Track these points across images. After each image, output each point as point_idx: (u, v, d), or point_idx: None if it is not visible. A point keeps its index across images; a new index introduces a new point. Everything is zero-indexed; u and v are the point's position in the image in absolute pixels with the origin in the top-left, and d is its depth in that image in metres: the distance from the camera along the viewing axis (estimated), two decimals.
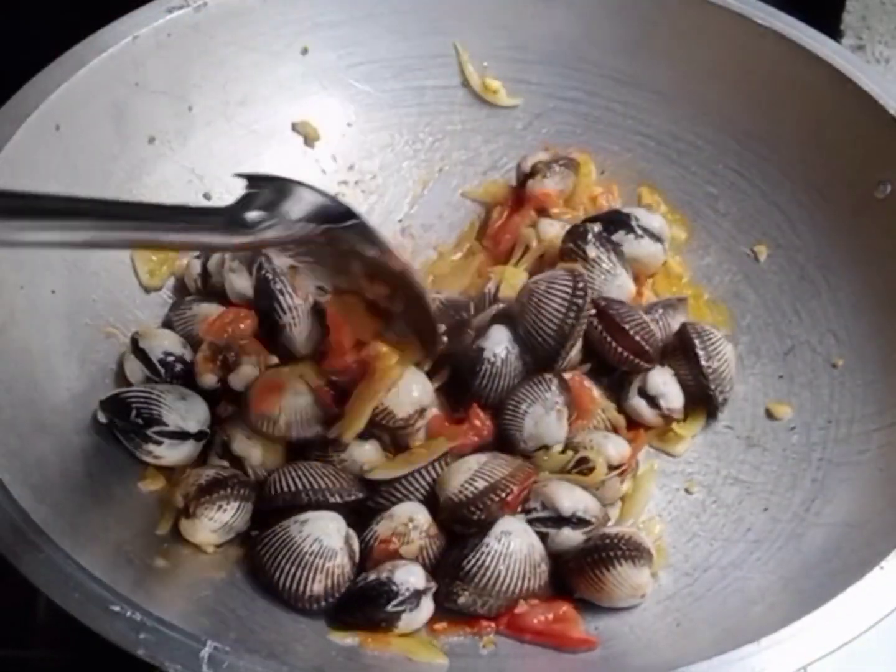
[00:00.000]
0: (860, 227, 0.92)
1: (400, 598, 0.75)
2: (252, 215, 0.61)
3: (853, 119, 0.92)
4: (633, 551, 0.77)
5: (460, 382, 0.85)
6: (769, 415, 0.90)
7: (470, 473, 0.79)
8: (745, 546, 0.82)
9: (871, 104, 0.91)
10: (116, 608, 0.65)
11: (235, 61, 1.00)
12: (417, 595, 0.75)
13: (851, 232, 0.93)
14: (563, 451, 0.84)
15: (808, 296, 0.94)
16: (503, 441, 0.85)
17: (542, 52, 1.04)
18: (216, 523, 0.78)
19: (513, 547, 0.77)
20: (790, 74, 0.96)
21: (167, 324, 0.92)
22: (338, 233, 0.68)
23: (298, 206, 0.65)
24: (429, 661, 0.74)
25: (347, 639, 0.74)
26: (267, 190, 0.65)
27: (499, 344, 0.85)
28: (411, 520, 0.79)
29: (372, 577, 0.76)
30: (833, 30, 1.17)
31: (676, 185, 1.02)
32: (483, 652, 0.76)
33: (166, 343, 0.87)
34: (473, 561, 0.76)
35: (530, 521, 0.80)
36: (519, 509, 0.80)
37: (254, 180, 0.66)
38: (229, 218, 0.62)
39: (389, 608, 0.74)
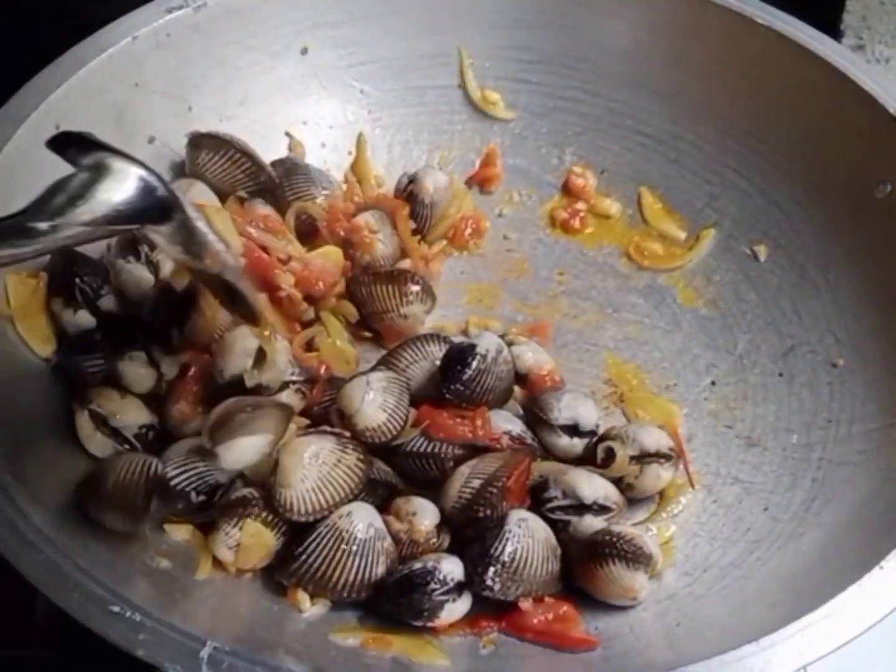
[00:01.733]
0: (860, 226, 0.92)
1: (445, 588, 0.75)
2: (41, 226, 0.59)
3: (853, 119, 0.92)
4: (631, 553, 0.77)
5: (450, 375, 0.85)
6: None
7: (464, 478, 0.80)
8: (745, 546, 0.82)
9: (871, 104, 0.91)
10: (116, 609, 0.65)
11: (235, 61, 1.00)
12: (460, 587, 0.76)
13: (851, 232, 0.93)
14: (595, 442, 0.85)
15: (808, 296, 0.94)
16: (533, 414, 0.86)
17: (542, 52, 1.04)
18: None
19: (533, 531, 0.78)
20: (790, 74, 0.96)
21: None
22: (151, 231, 0.66)
23: (112, 193, 0.63)
24: (429, 662, 0.74)
25: (348, 639, 0.74)
26: (82, 173, 0.63)
27: (491, 343, 0.86)
28: (414, 514, 0.80)
29: (417, 565, 0.76)
30: (833, 30, 1.17)
31: (676, 185, 1.02)
32: (483, 652, 0.76)
33: (138, 417, 0.83)
34: (501, 547, 0.77)
35: (551, 510, 0.81)
36: (527, 501, 0.81)
37: (70, 148, 0.64)
38: (12, 229, 0.59)
39: (435, 597, 0.74)
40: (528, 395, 0.90)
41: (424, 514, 0.80)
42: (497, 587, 0.76)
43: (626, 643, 0.77)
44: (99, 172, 0.63)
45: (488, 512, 0.78)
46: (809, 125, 0.95)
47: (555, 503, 0.81)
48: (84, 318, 0.85)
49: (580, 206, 1.04)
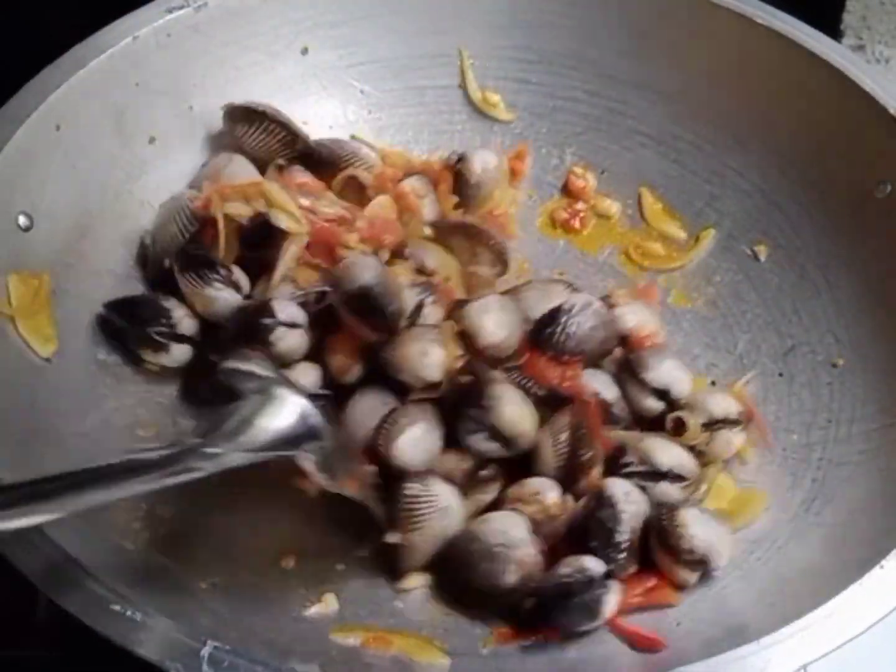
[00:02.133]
0: (860, 227, 0.92)
1: (599, 583, 0.75)
2: (213, 451, 0.67)
3: (853, 119, 0.92)
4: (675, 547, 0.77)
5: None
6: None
7: (549, 441, 0.81)
8: (745, 546, 0.82)
9: (871, 104, 0.91)
10: (117, 607, 0.65)
11: (235, 61, 1.00)
12: (606, 577, 0.76)
13: (851, 232, 0.93)
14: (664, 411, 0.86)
15: (808, 296, 0.94)
16: (629, 369, 0.87)
17: (542, 52, 1.05)
18: None
19: (636, 500, 0.79)
20: (790, 74, 0.96)
21: None
22: (300, 458, 0.74)
23: (276, 420, 0.71)
24: (429, 662, 0.74)
25: (349, 639, 0.75)
26: (247, 402, 0.71)
27: (579, 300, 0.87)
28: (538, 493, 0.81)
29: (565, 570, 0.76)
30: (833, 30, 1.17)
31: (676, 185, 1.02)
32: (483, 652, 0.76)
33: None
34: (622, 530, 0.78)
35: (628, 475, 0.81)
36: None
37: (235, 377, 0.74)
38: (193, 458, 0.67)
39: (595, 594, 0.75)
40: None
41: (545, 488, 0.81)
42: (631, 569, 0.78)
43: (627, 644, 0.76)
44: (262, 401, 0.72)
45: (590, 454, 0.80)
46: (809, 125, 0.96)
47: (631, 469, 0.82)
48: (180, 352, 0.87)
49: (580, 206, 1.04)
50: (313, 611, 0.77)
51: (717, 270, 0.99)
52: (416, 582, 0.80)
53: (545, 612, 0.75)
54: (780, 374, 0.92)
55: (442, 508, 0.79)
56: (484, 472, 0.82)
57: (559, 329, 0.85)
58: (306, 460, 0.74)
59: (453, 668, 0.74)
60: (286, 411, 0.72)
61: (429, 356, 0.82)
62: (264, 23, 1.00)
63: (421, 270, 0.90)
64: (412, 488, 0.79)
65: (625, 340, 0.90)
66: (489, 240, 0.94)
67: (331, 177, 0.97)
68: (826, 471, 0.85)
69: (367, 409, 0.84)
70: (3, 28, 1.09)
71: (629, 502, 0.79)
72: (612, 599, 0.75)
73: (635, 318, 0.90)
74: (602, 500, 0.79)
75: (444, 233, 0.94)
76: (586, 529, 0.78)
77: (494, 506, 0.82)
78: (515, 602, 0.77)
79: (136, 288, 0.92)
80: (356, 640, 0.74)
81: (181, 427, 0.87)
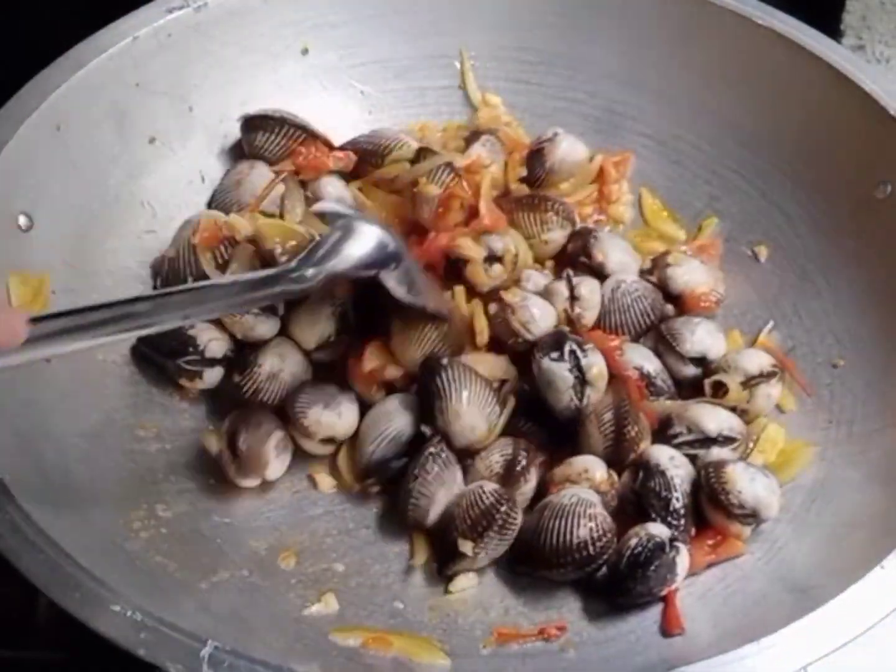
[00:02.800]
0: (860, 227, 0.92)
1: (667, 549, 0.77)
2: (310, 272, 0.80)
3: (853, 119, 0.92)
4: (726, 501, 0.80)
5: None
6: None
7: (596, 420, 0.84)
8: (746, 546, 0.82)
9: (871, 104, 0.91)
10: (117, 608, 0.65)
11: (235, 62, 1.00)
12: (671, 541, 0.78)
13: (851, 232, 0.93)
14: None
15: (808, 296, 0.94)
16: (666, 342, 0.89)
17: (542, 52, 1.05)
18: None
19: (682, 463, 0.82)
20: (790, 74, 0.96)
21: None
22: (384, 276, 0.85)
23: (357, 248, 0.83)
24: (429, 662, 0.74)
25: (349, 639, 0.74)
26: (336, 232, 0.83)
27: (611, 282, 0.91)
28: (586, 471, 0.82)
29: (633, 541, 0.77)
30: (833, 30, 1.17)
31: (676, 185, 1.02)
32: (483, 652, 0.76)
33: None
34: (677, 496, 0.80)
35: (678, 445, 0.83)
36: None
37: (327, 214, 0.89)
38: (288, 273, 0.80)
39: (667, 560, 0.77)
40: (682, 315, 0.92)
41: (592, 466, 0.82)
42: (692, 530, 0.80)
43: (626, 643, 0.77)
44: (347, 232, 0.83)
45: (636, 429, 0.82)
46: (809, 125, 0.95)
47: (681, 439, 0.83)
48: (212, 375, 0.88)
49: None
50: (313, 611, 0.77)
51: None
52: (468, 583, 0.80)
53: (621, 582, 0.77)
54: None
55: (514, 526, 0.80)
56: (517, 468, 0.82)
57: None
58: (389, 278, 0.84)
59: (453, 668, 0.74)
60: (366, 239, 0.83)
61: None
62: (265, 23, 1.00)
63: (491, 256, 0.92)
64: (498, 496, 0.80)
65: (678, 301, 0.93)
66: (554, 204, 0.95)
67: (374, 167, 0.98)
68: (827, 471, 0.84)
69: None
70: (3, 28, 1.09)
71: (676, 467, 0.81)
72: (684, 561, 0.77)
73: (686, 278, 0.93)
74: (650, 470, 0.81)
75: (513, 209, 0.95)
76: (641, 501, 0.81)
77: (541, 492, 0.83)
78: (587, 575, 0.78)
79: (136, 288, 0.92)
80: (356, 641, 0.74)
81: (181, 426, 0.87)
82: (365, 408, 0.87)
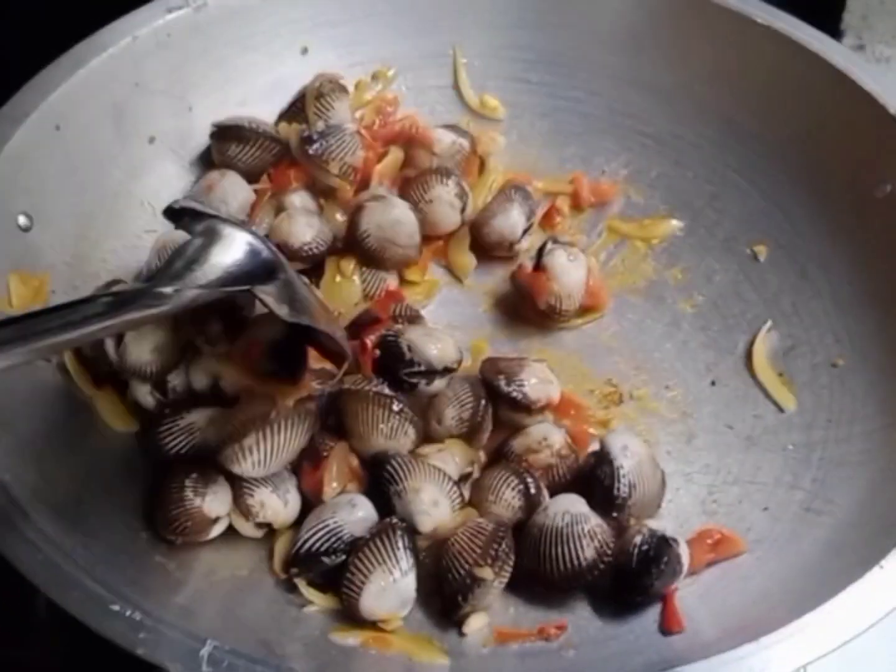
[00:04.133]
0: (860, 226, 0.92)
1: (672, 544, 0.77)
2: (168, 290, 0.66)
3: (853, 119, 0.93)
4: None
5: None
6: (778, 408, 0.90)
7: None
8: (746, 546, 0.82)
9: (871, 104, 0.91)
10: (116, 607, 0.65)
11: (235, 61, 1.00)
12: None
13: (851, 232, 0.93)
14: None
15: (807, 295, 0.94)
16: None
17: (542, 52, 1.05)
18: None
19: (637, 453, 0.81)
20: (790, 74, 0.96)
21: None
22: (259, 292, 0.72)
23: (223, 256, 0.70)
24: (429, 661, 0.74)
25: (349, 639, 0.74)
26: (196, 240, 0.71)
27: None
28: (545, 439, 0.83)
29: (637, 539, 0.77)
30: (833, 30, 1.18)
31: (676, 185, 1.02)
32: (483, 651, 0.76)
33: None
34: (621, 486, 0.79)
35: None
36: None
37: (183, 218, 0.74)
38: (145, 298, 0.66)
39: (675, 553, 0.76)
40: None
41: (550, 433, 0.83)
42: (633, 524, 0.79)
43: (626, 643, 0.77)
44: (210, 238, 0.71)
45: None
46: (809, 125, 0.96)
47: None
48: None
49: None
50: (313, 611, 0.77)
51: (717, 270, 0.99)
52: (480, 623, 0.77)
53: (636, 580, 0.77)
54: (780, 374, 0.92)
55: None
56: (531, 492, 0.81)
57: None
58: (263, 294, 0.72)
59: (453, 667, 0.74)
60: (235, 247, 0.71)
61: None
62: (264, 23, 1.00)
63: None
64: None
65: None
66: (441, 171, 0.96)
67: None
68: (826, 471, 0.84)
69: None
70: (3, 28, 1.09)
71: (627, 458, 0.80)
72: (685, 550, 0.78)
73: None
74: (603, 456, 0.81)
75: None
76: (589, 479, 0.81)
77: (498, 461, 0.83)
78: (594, 580, 0.77)
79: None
80: (356, 640, 0.74)
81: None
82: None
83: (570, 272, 0.92)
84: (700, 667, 0.65)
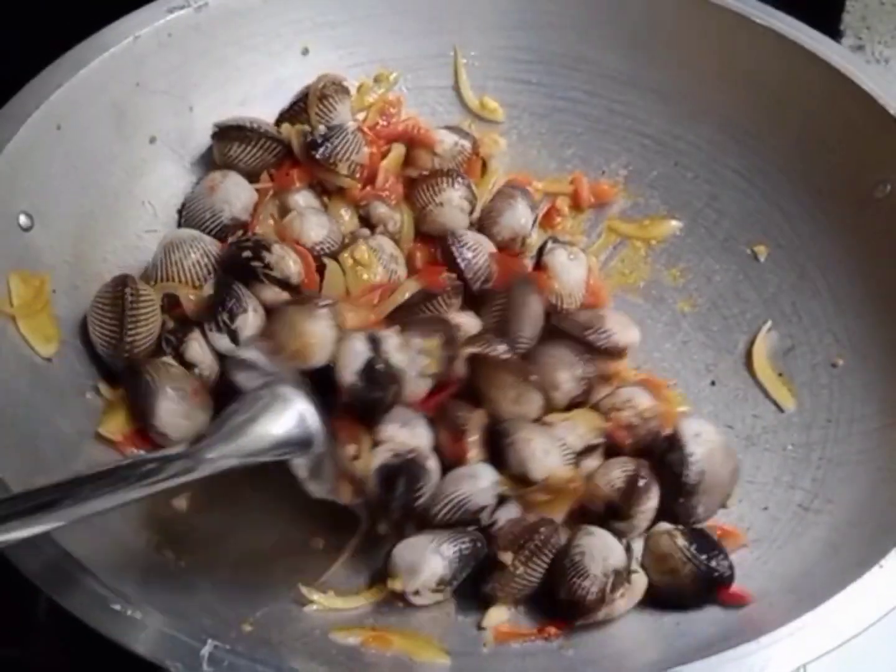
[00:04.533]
0: (860, 226, 0.92)
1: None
2: (211, 455, 0.67)
3: (853, 119, 0.93)
4: None
5: None
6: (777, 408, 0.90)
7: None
8: (746, 546, 0.82)
9: (871, 104, 0.91)
10: (117, 607, 0.65)
11: (236, 61, 1.00)
12: None
13: (851, 232, 0.93)
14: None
15: (807, 295, 0.94)
16: None
17: (542, 52, 1.05)
18: None
19: (710, 441, 0.81)
20: (790, 74, 0.96)
21: None
22: (294, 465, 0.74)
23: (275, 425, 0.70)
24: (429, 661, 0.74)
25: (349, 639, 0.74)
26: (252, 400, 0.71)
27: None
28: (630, 400, 0.84)
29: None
30: (833, 30, 1.18)
31: (676, 185, 1.02)
32: (484, 651, 0.76)
33: None
34: (690, 474, 0.80)
35: None
36: None
37: (241, 373, 0.75)
38: (189, 456, 0.67)
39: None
40: None
41: (636, 395, 0.85)
42: (700, 511, 0.80)
43: (626, 643, 0.77)
44: (264, 403, 0.71)
45: None
46: (809, 125, 0.96)
47: None
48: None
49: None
50: (313, 610, 0.77)
51: (717, 270, 0.99)
52: (501, 617, 0.78)
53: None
54: (780, 374, 0.92)
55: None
56: (639, 484, 0.81)
57: None
58: (299, 467, 0.73)
59: (453, 668, 0.74)
60: (287, 415, 0.71)
61: None
62: (265, 23, 1.00)
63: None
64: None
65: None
66: (448, 173, 0.97)
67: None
68: (826, 471, 0.85)
69: None
70: (4, 28, 1.09)
71: (699, 445, 0.81)
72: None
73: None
74: (675, 441, 0.81)
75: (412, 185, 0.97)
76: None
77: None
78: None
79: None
80: (356, 640, 0.74)
81: None
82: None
83: (570, 271, 0.93)
84: (700, 666, 0.65)
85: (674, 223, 1.02)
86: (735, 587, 0.77)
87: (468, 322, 0.89)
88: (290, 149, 0.97)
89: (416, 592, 0.77)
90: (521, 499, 0.80)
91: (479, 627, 0.78)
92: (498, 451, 0.80)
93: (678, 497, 0.80)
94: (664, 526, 0.80)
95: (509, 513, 0.80)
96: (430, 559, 0.77)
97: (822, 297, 0.93)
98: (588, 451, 0.83)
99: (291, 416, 0.71)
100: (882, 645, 0.83)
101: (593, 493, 0.80)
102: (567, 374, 0.85)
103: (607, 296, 0.97)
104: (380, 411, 0.78)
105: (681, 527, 0.80)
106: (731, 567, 0.77)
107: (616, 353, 0.87)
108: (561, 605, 0.77)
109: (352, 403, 0.77)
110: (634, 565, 0.78)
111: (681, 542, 0.78)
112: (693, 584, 0.77)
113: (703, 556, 0.77)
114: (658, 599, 0.78)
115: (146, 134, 0.96)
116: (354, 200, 0.96)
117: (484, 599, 0.79)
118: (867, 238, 0.92)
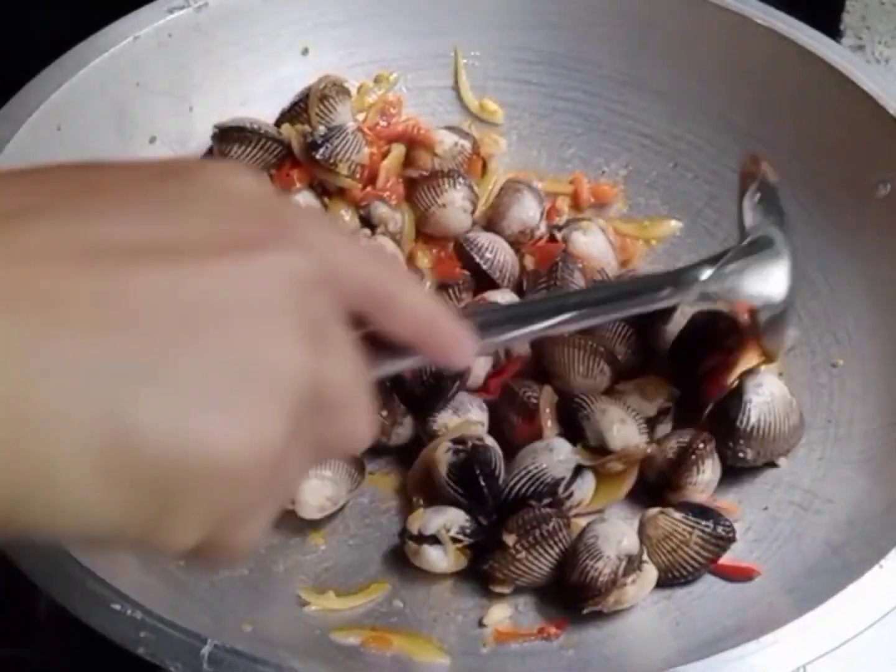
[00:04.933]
0: (860, 226, 0.92)
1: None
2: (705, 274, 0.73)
3: (853, 119, 0.92)
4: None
5: None
6: None
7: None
8: (745, 546, 0.82)
9: (871, 104, 0.91)
10: (117, 606, 0.65)
11: (236, 62, 1.00)
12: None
13: (851, 231, 0.93)
14: None
15: (806, 295, 0.93)
16: None
17: (542, 52, 1.04)
18: None
19: (771, 392, 0.82)
20: (790, 74, 0.96)
21: None
22: None
23: (758, 286, 0.76)
24: (429, 661, 0.74)
25: (349, 638, 0.74)
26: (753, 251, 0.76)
27: None
28: None
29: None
30: (833, 30, 1.17)
31: (676, 185, 1.02)
32: (483, 651, 0.76)
33: None
34: (745, 419, 0.81)
35: None
36: None
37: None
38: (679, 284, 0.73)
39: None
40: None
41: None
42: (749, 457, 0.82)
43: (626, 643, 0.77)
44: (762, 255, 0.78)
45: None
46: (809, 125, 0.95)
47: None
48: None
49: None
50: (313, 611, 0.77)
51: None
52: (503, 614, 0.78)
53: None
54: (780, 374, 0.92)
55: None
56: (691, 456, 0.81)
57: None
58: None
59: (453, 667, 0.74)
60: (777, 275, 0.77)
61: None
62: (265, 23, 1.00)
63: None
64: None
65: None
66: (448, 173, 0.96)
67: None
68: (825, 470, 0.84)
69: None
70: (4, 28, 1.09)
71: (758, 395, 0.82)
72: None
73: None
74: (735, 390, 0.83)
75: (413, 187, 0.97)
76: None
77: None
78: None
79: None
80: (356, 640, 0.74)
81: None
82: None
83: (592, 246, 0.94)
84: (700, 667, 0.65)
85: (674, 223, 1.02)
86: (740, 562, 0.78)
87: (511, 302, 0.90)
88: (291, 149, 0.97)
89: None
90: (596, 470, 0.81)
91: (481, 624, 0.77)
92: (573, 424, 0.82)
93: (728, 441, 0.81)
94: (653, 510, 0.80)
95: (582, 487, 0.80)
96: None
97: (821, 297, 0.93)
98: (660, 415, 0.85)
99: (780, 276, 0.77)
100: (883, 645, 0.83)
101: (648, 462, 0.81)
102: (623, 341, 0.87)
103: (636, 246, 0.99)
104: (443, 399, 0.82)
105: (667, 508, 0.80)
106: (731, 525, 0.79)
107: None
108: (571, 590, 0.77)
109: (412, 390, 0.81)
110: (645, 556, 0.78)
111: (678, 515, 0.79)
112: (704, 550, 0.78)
113: (706, 521, 0.78)
114: (668, 581, 0.79)
115: (146, 134, 0.96)
116: (355, 201, 0.97)
117: (483, 578, 0.79)
118: (867, 238, 0.92)
